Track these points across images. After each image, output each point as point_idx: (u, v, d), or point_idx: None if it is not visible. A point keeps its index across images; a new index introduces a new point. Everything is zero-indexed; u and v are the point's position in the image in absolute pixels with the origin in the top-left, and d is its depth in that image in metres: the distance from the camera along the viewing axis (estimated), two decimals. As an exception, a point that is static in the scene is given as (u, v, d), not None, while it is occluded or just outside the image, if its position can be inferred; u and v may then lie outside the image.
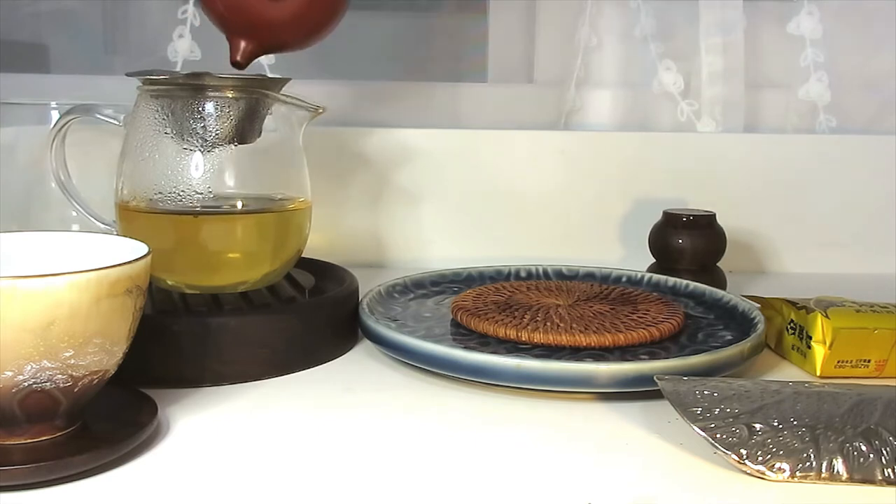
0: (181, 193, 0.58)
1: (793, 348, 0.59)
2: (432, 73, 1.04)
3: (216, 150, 0.59)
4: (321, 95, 0.65)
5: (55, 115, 0.68)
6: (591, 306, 0.62)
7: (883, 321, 0.55)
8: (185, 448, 0.44)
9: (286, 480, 0.41)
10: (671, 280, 0.70)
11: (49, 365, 0.39)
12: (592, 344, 0.55)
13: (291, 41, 0.62)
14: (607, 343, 0.55)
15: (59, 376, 0.40)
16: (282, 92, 0.60)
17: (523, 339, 0.56)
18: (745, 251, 0.87)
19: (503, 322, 0.58)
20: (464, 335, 0.59)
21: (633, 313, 0.60)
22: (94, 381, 0.42)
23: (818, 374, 0.56)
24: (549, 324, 0.57)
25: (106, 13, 1.01)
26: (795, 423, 0.43)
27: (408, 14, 1.03)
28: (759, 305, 0.62)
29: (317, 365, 0.57)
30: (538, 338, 0.55)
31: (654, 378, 0.48)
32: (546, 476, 0.42)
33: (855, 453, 0.42)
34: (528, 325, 0.57)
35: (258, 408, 0.50)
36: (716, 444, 0.42)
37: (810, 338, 0.56)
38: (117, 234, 0.60)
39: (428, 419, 0.49)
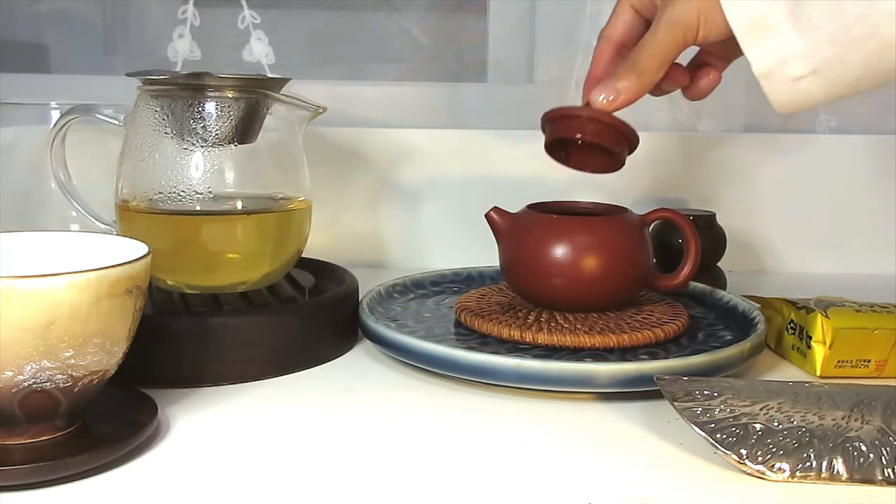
0: (181, 193, 0.58)
1: (793, 348, 0.59)
2: (432, 73, 1.04)
3: (216, 150, 0.59)
4: (321, 95, 0.65)
5: (55, 115, 0.68)
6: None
7: (883, 321, 0.55)
8: (185, 448, 0.44)
9: (286, 480, 0.41)
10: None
11: (49, 365, 0.39)
12: (597, 345, 0.55)
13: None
14: (611, 344, 0.55)
15: (59, 376, 0.40)
16: (282, 92, 0.60)
17: (527, 339, 0.56)
18: (745, 251, 0.87)
19: (507, 323, 0.58)
20: (464, 335, 0.59)
21: (637, 314, 0.60)
22: (94, 381, 0.42)
23: (818, 374, 0.56)
24: (553, 324, 0.57)
25: (106, 13, 1.01)
26: (795, 423, 0.43)
27: (408, 14, 1.03)
28: (759, 305, 0.62)
29: (317, 365, 0.57)
30: (542, 338, 0.55)
31: (654, 378, 0.48)
32: (546, 476, 0.42)
33: (855, 453, 0.42)
34: (532, 325, 0.57)
35: (258, 408, 0.50)
36: (716, 444, 0.42)
37: (810, 338, 0.56)
38: (117, 234, 0.60)
39: (428, 419, 0.49)
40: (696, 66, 0.58)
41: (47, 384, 0.40)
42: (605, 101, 0.53)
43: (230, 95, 0.58)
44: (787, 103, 0.50)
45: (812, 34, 0.47)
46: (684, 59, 0.56)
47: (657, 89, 0.56)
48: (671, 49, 0.52)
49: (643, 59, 0.52)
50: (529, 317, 0.59)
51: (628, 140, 0.57)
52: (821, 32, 0.47)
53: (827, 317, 0.55)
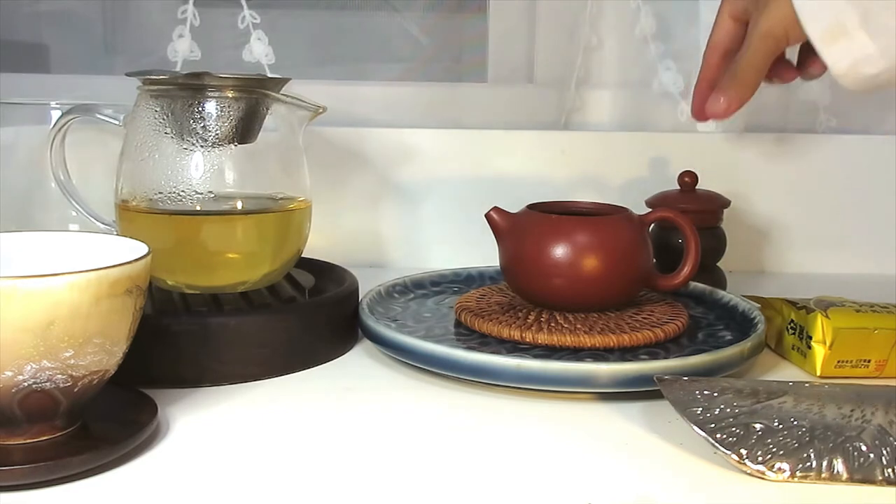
0: (181, 193, 0.58)
1: (793, 348, 0.59)
2: (432, 73, 1.04)
3: (216, 150, 0.59)
4: (321, 95, 0.65)
5: (55, 115, 0.68)
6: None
7: (883, 321, 0.55)
8: (185, 448, 0.44)
9: (286, 480, 0.41)
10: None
11: (49, 365, 0.39)
12: (597, 345, 0.55)
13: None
14: (611, 344, 0.55)
15: (59, 376, 0.40)
16: (282, 92, 0.60)
17: (527, 339, 0.56)
18: (745, 251, 0.87)
19: (507, 323, 0.58)
20: (464, 335, 0.59)
21: (637, 314, 0.60)
22: (94, 381, 0.42)
23: (818, 374, 0.56)
24: (553, 324, 0.57)
25: (106, 13, 1.01)
26: (795, 423, 0.43)
27: (408, 14, 1.03)
28: (759, 305, 0.62)
29: (317, 365, 0.57)
30: (542, 338, 0.55)
31: (654, 378, 0.48)
32: (546, 476, 0.42)
33: (855, 453, 0.42)
34: (532, 325, 0.57)
35: (258, 408, 0.50)
36: (716, 444, 0.42)
37: (810, 338, 0.56)
38: (117, 234, 0.60)
39: (428, 419, 0.49)
40: (806, 52, 0.62)
41: (47, 384, 0.40)
42: (718, 111, 0.60)
43: (230, 95, 0.58)
44: (865, 91, 0.54)
45: (883, 37, 0.51)
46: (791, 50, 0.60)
47: (769, 83, 0.61)
48: (764, 59, 0.57)
49: (742, 70, 0.58)
50: (529, 317, 0.59)
51: (723, 208, 0.72)
52: (892, 34, 0.50)
53: (827, 317, 0.55)
